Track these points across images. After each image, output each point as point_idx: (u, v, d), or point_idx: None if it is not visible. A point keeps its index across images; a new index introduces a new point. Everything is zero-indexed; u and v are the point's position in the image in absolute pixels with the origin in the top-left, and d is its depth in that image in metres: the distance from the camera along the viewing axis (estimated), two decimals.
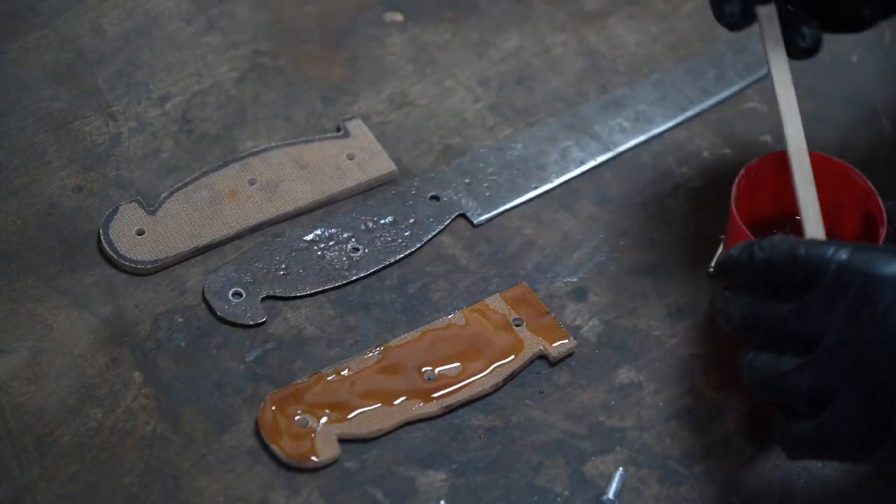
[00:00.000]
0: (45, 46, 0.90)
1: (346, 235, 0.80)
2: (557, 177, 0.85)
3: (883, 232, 0.73)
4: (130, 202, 0.81)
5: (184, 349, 0.76)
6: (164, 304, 0.78)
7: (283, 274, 0.78)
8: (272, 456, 0.72)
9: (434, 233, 0.81)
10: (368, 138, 0.86)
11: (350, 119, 0.87)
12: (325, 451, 0.71)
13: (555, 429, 0.74)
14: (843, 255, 0.64)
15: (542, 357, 0.77)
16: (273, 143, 0.85)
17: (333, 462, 0.72)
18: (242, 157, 0.84)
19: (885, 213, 0.74)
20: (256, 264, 0.78)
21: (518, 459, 0.73)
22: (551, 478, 0.72)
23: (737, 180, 0.75)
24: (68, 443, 0.71)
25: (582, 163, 0.86)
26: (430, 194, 0.83)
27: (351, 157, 0.85)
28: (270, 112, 0.88)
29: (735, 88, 0.90)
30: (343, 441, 0.72)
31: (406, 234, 0.81)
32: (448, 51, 0.92)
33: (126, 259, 0.78)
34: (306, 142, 0.85)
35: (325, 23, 0.93)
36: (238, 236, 0.81)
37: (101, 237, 0.79)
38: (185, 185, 0.82)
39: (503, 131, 0.88)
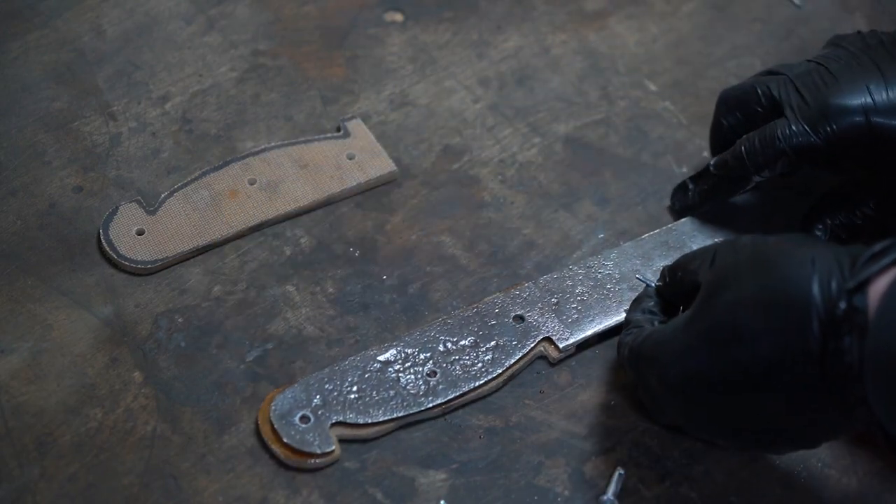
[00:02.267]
0: (45, 46, 0.90)
1: (423, 357, 0.75)
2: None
3: None
4: (130, 202, 0.81)
5: (184, 349, 0.76)
6: (164, 304, 0.78)
7: (355, 398, 0.73)
8: (272, 456, 0.71)
9: (516, 358, 0.76)
10: (368, 138, 0.86)
11: (350, 119, 0.87)
12: (325, 450, 0.71)
13: (555, 429, 0.74)
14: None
15: (543, 357, 0.77)
16: (273, 143, 0.85)
17: (333, 462, 0.72)
18: (242, 157, 0.84)
19: None
20: (327, 385, 0.73)
21: (518, 459, 0.73)
22: (551, 478, 0.72)
23: None
24: (68, 443, 0.71)
25: None
26: (514, 314, 0.78)
27: (351, 157, 0.85)
28: (270, 112, 0.88)
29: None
30: (343, 441, 0.72)
31: (486, 357, 0.76)
32: (448, 51, 0.92)
33: (126, 259, 0.78)
34: (306, 142, 0.85)
35: (325, 23, 0.93)
36: (239, 236, 0.81)
37: (101, 237, 0.79)
38: (185, 185, 0.82)
39: (503, 131, 0.88)
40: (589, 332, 0.77)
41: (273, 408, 0.72)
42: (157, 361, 0.75)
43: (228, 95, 0.89)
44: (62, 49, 0.90)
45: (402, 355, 0.75)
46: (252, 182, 0.83)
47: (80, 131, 0.85)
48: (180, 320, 0.77)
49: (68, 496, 0.69)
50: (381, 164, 0.84)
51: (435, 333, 0.76)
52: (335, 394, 0.73)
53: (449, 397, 0.74)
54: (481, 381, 0.74)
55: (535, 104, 0.90)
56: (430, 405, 0.73)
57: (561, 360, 0.77)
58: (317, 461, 0.71)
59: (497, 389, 0.75)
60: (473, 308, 0.78)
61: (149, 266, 0.78)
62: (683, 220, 0.83)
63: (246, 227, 0.81)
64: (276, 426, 0.71)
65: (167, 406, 0.73)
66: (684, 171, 0.87)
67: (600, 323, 0.77)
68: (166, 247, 0.79)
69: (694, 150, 0.88)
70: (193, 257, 0.80)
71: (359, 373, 0.74)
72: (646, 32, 0.95)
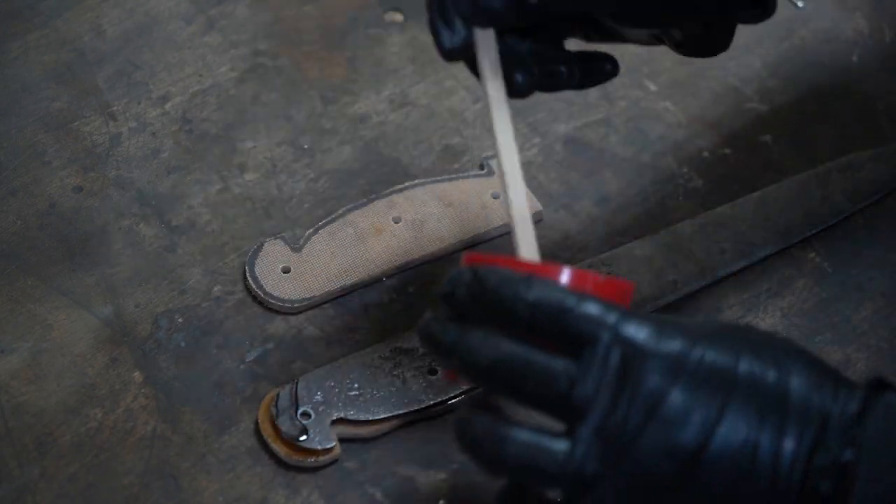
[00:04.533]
0: (45, 46, 0.90)
1: (424, 354, 0.75)
2: (651, 303, 0.79)
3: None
4: (275, 238, 0.80)
5: (184, 349, 0.76)
6: (164, 304, 0.78)
7: (356, 395, 0.73)
8: (272, 455, 0.71)
9: None
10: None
11: (493, 157, 0.85)
12: (326, 447, 0.71)
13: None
14: (621, 321, 0.55)
15: None
16: (417, 181, 0.83)
17: (334, 460, 0.72)
18: (387, 195, 0.82)
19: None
20: (328, 383, 0.74)
21: None
22: None
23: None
24: (68, 443, 0.71)
25: (677, 286, 0.79)
26: None
27: (496, 197, 0.83)
28: (270, 112, 0.88)
29: (844, 212, 0.83)
30: (343, 441, 0.72)
31: None
32: None
33: (273, 297, 0.77)
34: (450, 179, 0.83)
35: (325, 23, 0.93)
36: (384, 275, 0.80)
37: (247, 274, 0.78)
38: (330, 222, 0.81)
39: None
40: None
41: (273, 405, 0.72)
42: (157, 361, 0.75)
43: (228, 95, 0.89)
44: (62, 49, 0.90)
45: (403, 353, 0.75)
46: (397, 220, 0.81)
47: (80, 131, 0.85)
48: (180, 320, 0.77)
49: (68, 496, 0.69)
50: None
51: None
52: (336, 391, 0.73)
53: (449, 395, 0.74)
54: None
55: (535, 104, 0.90)
56: (432, 402, 0.73)
57: None
58: (317, 459, 0.71)
59: None
60: None
61: (296, 305, 0.77)
62: (684, 221, 0.83)
63: (392, 266, 0.79)
64: (276, 423, 0.71)
65: (167, 406, 0.73)
66: (684, 171, 0.87)
67: None
68: (312, 285, 0.78)
69: (694, 150, 0.88)
70: (341, 297, 0.79)
71: (360, 370, 0.74)
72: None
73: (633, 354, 0.55)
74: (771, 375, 0.56)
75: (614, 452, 0.54)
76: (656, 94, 0.91)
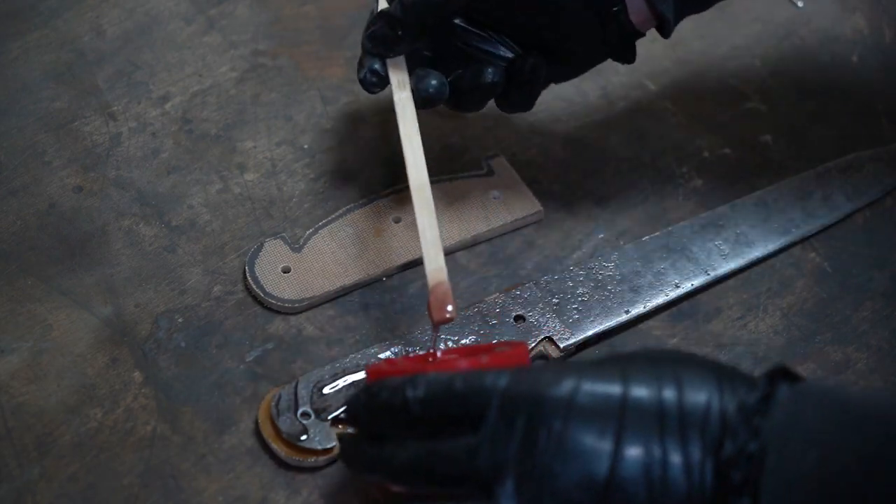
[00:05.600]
0: (45, 46, 0.90)
1: (424, 352, 0.75)
2: (651, 301, 0.79)
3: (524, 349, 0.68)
4: (275, 238, 0.80)
5: (184, 349, 0.76)
6: (164, 304, 0.78)
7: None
8: (272, 456, 0.71)
9: None
10: (513, 177, 0.84)
11: (494, 156, 0.85)
12: (326, 447, 0.71)
13: None
14: (503, 381, 0.59)
15: (543, 357, 0.77)
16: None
17: (333, 462, 0.72)
18: (387, 195, 0.83)
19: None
20: (328, 382, 0.73)
21: None
22: None
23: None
24: (68, 443, 0.71)
25: (677, 286, 0.80)
26: (515, 314, 0.77)
27: (496, 197, 0.83)
28: (270, 112, 0.88)
29: (844, 212, 0.84)
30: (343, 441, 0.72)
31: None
32: None
33: (273, 297, 0.77)
34: (449, 179, 0.83)
35: (325, 23, 0.93)
36: (385, 275, 0.80)
37: (247, 274, 0.78)
38: (330, 222, 0.81)
39: (503, 131, 0.88)
40: (590, 332, 0.77)
41: (273, 405, 0.72)
42: (157, 361, 0.75)
43: (228, 95, 0.89)
44: (62, 49, 0.90)
45: (404, 353, 0.75)
46: (397, 220, 0.81)
47: (80, 131, 0.85)
48: (180, 320, 0.77)
49: (68, 496, 0.69)
50: (526, 205, 0.83)
51: (437, 333, 0.76)
52: (336, 391, 0.73)
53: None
54: None
55: (535, 104, 0.90)
56: None
57: (570, 355, 0.77)
58: (317, 459, 0.71)
59: None
60: (474, 308, 0.77)
61: (296, 305, 0.77)
62: (684, 222, 0.83)
63: (392, 266, 0.79)
64: (276, 423, 0.71)
65: (167, 406, 0.73)
66: (684, 171, 0.87)
67: (601, 324, 0.77)
68: (313, 285, 0.78)
69: (694, 150, 0.88)
70: (340, 297, 0.79)
71: (360, 370, 0.74)
72: (648, 31, 0.95)
73: (525, 408, 0.58)
74: (663, 391, 0.58)
75: (535, 501, 0.57)
76: (656, 94, 0.91)
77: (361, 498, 0.70)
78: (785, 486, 0.55)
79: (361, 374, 0.74)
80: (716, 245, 0.82)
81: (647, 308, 0.79)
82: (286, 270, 0.79)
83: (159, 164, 0.84)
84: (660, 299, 0.79)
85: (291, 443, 0.71)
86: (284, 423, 0.71)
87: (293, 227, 0.82)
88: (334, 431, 0.71)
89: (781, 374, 0.58)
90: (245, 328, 0.77)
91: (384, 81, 0.76)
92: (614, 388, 0.58)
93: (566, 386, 0.58)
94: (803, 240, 0.83)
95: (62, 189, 0.82)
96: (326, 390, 0.73)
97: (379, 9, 0.78)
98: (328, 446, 0.71)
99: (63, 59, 0.89)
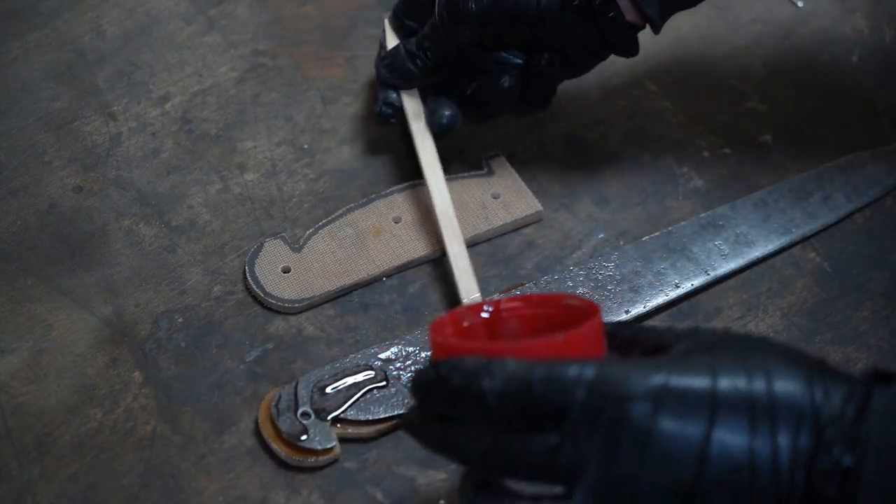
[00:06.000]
0: (45, 46, 0.90)
1: (424, 355, 0.75)
2: (651, 301, 0.79)
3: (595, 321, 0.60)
4: (275, 238, 0.80)
5: (184, 349, 0.76)
6: (164, 304, 0.78)
7: (356, 395, 0.73)
8: (272, 456, 0.72)
9: None
10: (513, 177, 0.84)
11: (493, 156, 0.85)
12: (326, 447, 0.71)
13: None
14: (588, 375, 0.55)
15: None
16: (417, 181, 0.83)
17: (334, 461, 0.72)
18: (387, 195, 0.83)
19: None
20: (328, 382, 0.73)
21: None
22: None
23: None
24: (68, 443, 0.71)
25: (677, 286, 0.79)
26: None
27: (496, 197, 0.83)
28: (270, 112, 0.88)
29: (844, 212, 0.84)
30: (343, 441, 0.72)
31: None
32: None
33: (273, 297, 0.77)
34: (450, 179, 0.83)
35: (325, 23, 0.94)
36: (384, 275, 0.80)
37: (247, 274, 0.78)
38: (330, 221, 0.81)
39: (503, 131, 0.88)
40: None
41: (273, 405, 0.72)
42: (157, 361, 0.75)
43: (228, 95, 0.89)
44: (62, 49, 0.90)
45: (404, 353, 0.75)
46: (397, 220, 0.81)
47: (80, 131, 0.85)
48: (180, 320, 0.77)
49: (68, 496, 0.69)
50: (526, 205, 0.83)
51: None
52: (336, 391, 0.73)
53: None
54: None
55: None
56: None
57: None
58: (317, 459, 0.71)
59: None
60: None
61: (296, 305, 0.77)
62: (684, 222, 0.83)
63: (392, 265, 0.79)
64: (276, 423, 0.71)
65: (167, 406, 0.73)
66: (684, 171, 0.87)
67: None
68: (312, 285, 0.78)
69: (694, 150, 0.88)
70: (339, 297, 0.79)
71: (359, 370, 0.74)
72: (645, 32, 0.95)
73: (611, 406, 0.54)
74: (753, 384, 0.55)
75: (618, 502, 0.54)
76: (656, 94, 0.91)
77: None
78: (882, 502, 0.53)
79: (362, 375, 0.74)
80: (716, 245, 0.82)
81: (647, 308, 0.79)
82: (286, 270, 0.79)
83: (159, 164, 0.84)
84: (660, 299, 0.79)
85: (291, 443, 0.71)
86: (284, 423, 0.71)
87: (293, 227, 0.82)
88: (334, 431, 0.71)
89: (875, 377, 0.55)
90: (245, 328, 0.77)
91: (399, 112, 0.83)
92: (702, 382, 0.55)
93: (654, 382, 0.55)
94: (803, 240, 0.83)
95: (62, 189, 0.82)
96: (326, 390, 0.73)
97: (388, 41, 0.83)
98: (328, 446, 0.71)
99: (63, 59, 0.89)
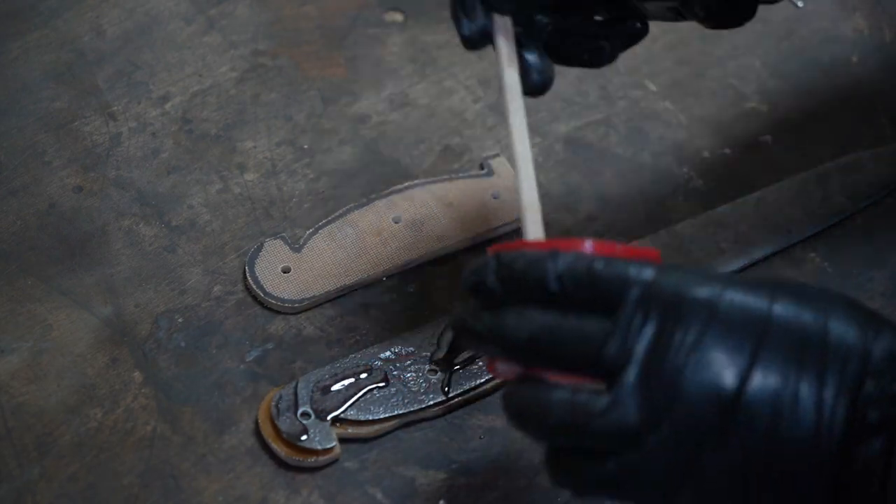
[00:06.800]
0: (45, 46, 0.90)
1: (424, 355, 0.75)
2: None
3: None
4: (275, 238, 0.80)
5: (184, 349, 0.76)
6: (164, 304, 0.78)
7: (356, 395, 0.73)
8: (272, 456, 0.71)
9: None
10: (513, 177, 0.84)
11: (494, 157, 0.85)
12: (326, 447, 0.71)
13: None
14: (648, 274, 0.55)
15: None
16: (417, 181, 0.83)
17: (334, 460, 0.72)
18: (386, 195, 0.82)
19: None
20: (328, 382, 0.73)
21: (518, 459, 0.73)
22: None
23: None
24: (68, 443, 0.71)
25: None
26: None
27: (496, 197, 0.83)
28: (270, 112, 0.88)
29: (844, 212, 0.84)
30: (343, 441, 0.72)
31: None
32: (448, 51, 0.92)
33: (273, 297, 0.77)
34: (450, 179, 0.83)
35: (325, 23, 0.93)
36: (384, 275, 0.79)
37: (247, 274, 0.78)
38: (330, 222, 0.81)
39: (504, 131, 0.88)
40: None
41: (273, 405, 0.72)
42: (157, 361, 0.75)
43: (228, 95, 0.89)
44: (62, 49, 0.90)
45: (404, 353, 0.75)
46: (397, 220, 0.81)
47: (80, 131, 0.85)
48: (180, 320, 0.77)
49: (68, 496, 0.69)
50: None
51: (436, 330, 0.76)
52: (336, 391, 0.73)
53: (448, 396, 0.74)
54: (482, 380, 0.74)
55: (535, 104, 0.90)
56: (431, 403, 0.73)
57: None
58: (317, 459, 0.71)
59: (498, 388, 0.75)
60: None
61: (296, 305, 0.77)
62: (684, 222, 0.83)
63: (392, 265, 0.79)
64: (276, 423, 0.71)
65: (167, 406, 0.73)
66: (684, 171, 0.87)
67: None
68: (313, 285, 0.78)
69: (694, 150, 0.88)
70: (340, 297, 0.79)
71: (360, 370, 0.74)
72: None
73: (665, 304, 0.55)
74: (807, 317, 0.55)
75: (655, 402, 0.54)
76: (656, 94, 0.91)
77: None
78: None
79: (362, 375, 0.74)
80: (716, 245, 0.82)
81: None
82: (286, 270, 0.79)
83: (159, 164, 0.84)
84: None
85: (291, 443, 0.71)
86: (284, 423, 0.71)
87: (293, 227, 0.82)
88: (334, 431, 0.71)
89: None
90: (245, 328, 0.77)
91: (487, 43, 0.67)
92: (759, 303, 0.55)
93: (711, 291, 0.55)
94: (803, 240, 0.83)
95: (62, 189, 0.82)
96: (327, 390, 0.73)
97: None
98: (328, 446, 0.71)
99: (63, 59, 0.89)
